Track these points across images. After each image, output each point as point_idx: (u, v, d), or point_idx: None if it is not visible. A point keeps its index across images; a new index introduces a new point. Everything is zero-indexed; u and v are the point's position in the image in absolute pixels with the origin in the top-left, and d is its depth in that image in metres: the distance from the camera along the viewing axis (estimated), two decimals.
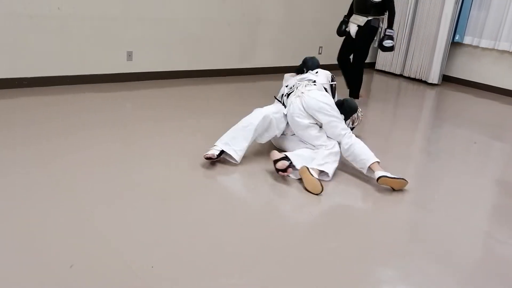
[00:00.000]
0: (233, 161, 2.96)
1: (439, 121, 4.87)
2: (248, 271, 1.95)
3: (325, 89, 3.27)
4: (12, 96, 3.94)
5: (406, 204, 2.77)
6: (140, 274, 1.85)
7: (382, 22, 4.49)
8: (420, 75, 6.62)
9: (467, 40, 6.38)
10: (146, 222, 2.25)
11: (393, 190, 2.86)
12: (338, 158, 3.00)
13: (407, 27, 6.69)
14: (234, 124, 3.05)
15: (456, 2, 6.13)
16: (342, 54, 4.73)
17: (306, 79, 3.29)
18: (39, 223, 2.14)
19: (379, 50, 7.01)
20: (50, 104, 3.89)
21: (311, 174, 2.71)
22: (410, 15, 6.63)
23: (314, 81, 3.25)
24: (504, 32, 5.95)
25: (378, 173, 2.84)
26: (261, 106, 3.16)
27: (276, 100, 3.35)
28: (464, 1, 6.22)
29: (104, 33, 4.54)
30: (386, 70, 7.07)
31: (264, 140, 3.15)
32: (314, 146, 3.07)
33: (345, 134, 3.04)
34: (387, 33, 4.34)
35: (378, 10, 4.42)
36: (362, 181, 2.97)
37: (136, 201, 2.44)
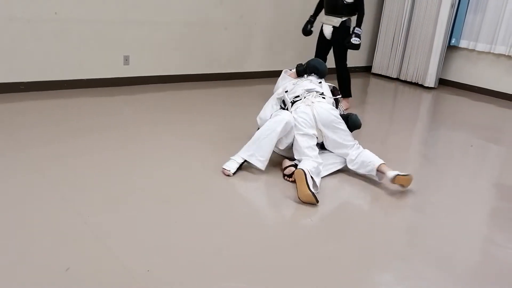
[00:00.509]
0: (259, 169, 2.94)
1: (435, 125, 4.89)
2: (248, 274, 1.95)
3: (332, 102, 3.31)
4: (9, 101, 3.93)
5: (404, 208, 2.78)
6: (138, 277, 1.85)
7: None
8: (417, 78, 6.64)
9: (463, 43, 6.41)
10: (146, 225, 2.24)
11: (403, 186, 2.88)
12: (320, 176, 2.92)
13: (403, 31, 6.71)
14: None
15: (452, 6, 6.16)
16: (319, 56, 4.72)
17: (313, 90, 3.28)
18: (37, 225, 2.13)
19: (375, 53, 7.12)
20: (47, 108, 3.87)
21: (308, 185, 2.61)
22: (406, 19, 6.65)
23: (322, 94, 3.27)
24: (500, 35, 5.98)
25: (391, 172, 2.84)
26: (260, 109, 3.14)
27: (280, 107, 3.36)
28: (460, 5, 6.25)
29: (101, 37, 4.53)
30: (383, 73, 7.08)
31: (282, 146, 3.08)
32: (301, 155, 2.98)
33: (353, 145, 3.07)
34: (355, 31, 4.43)
35: (350, 10, 4.49)
36: (361, 185, 2.97)
37: (136, 203, 2.43)
